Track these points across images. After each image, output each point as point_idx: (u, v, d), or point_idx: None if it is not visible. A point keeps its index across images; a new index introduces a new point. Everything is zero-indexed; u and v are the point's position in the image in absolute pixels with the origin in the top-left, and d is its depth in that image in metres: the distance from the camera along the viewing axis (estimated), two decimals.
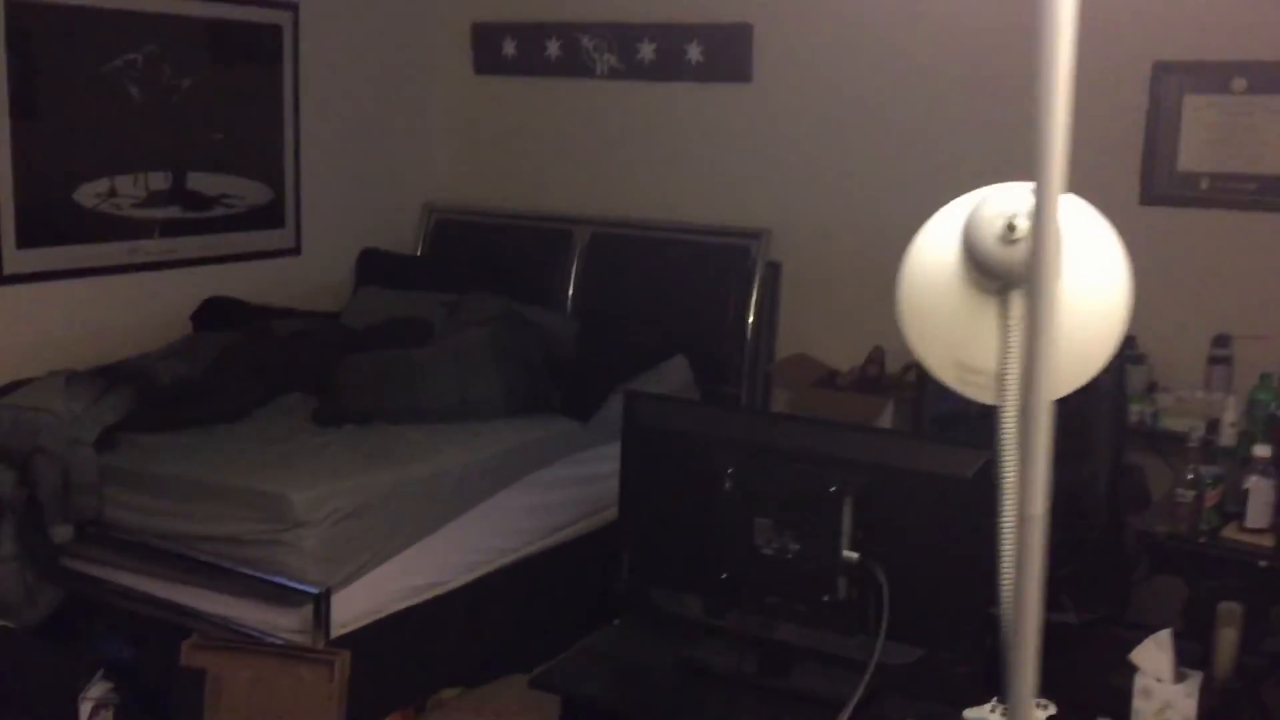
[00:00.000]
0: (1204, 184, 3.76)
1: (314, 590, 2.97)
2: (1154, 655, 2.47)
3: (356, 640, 3.05)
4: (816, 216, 4.40)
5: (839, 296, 4.37)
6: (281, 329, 4.12)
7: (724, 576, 2.51)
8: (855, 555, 2.38)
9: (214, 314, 4.22)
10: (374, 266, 4.81)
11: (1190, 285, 3.75)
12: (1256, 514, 2.78)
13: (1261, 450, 2.81)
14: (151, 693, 2.99)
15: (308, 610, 2.98)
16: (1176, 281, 3.72)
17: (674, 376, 4.20)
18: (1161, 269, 3.63)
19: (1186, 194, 3.78)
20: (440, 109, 5.14)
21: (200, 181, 4.29)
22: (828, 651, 2.47)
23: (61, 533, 3.22)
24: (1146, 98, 3.80)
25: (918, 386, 3.64)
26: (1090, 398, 2.93)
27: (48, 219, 3.84)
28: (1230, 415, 3.27)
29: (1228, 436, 3.25)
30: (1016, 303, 0.94)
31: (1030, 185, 0.89)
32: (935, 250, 1.05)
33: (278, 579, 3.01)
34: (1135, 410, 3.54)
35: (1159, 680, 2.45)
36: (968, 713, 2.30)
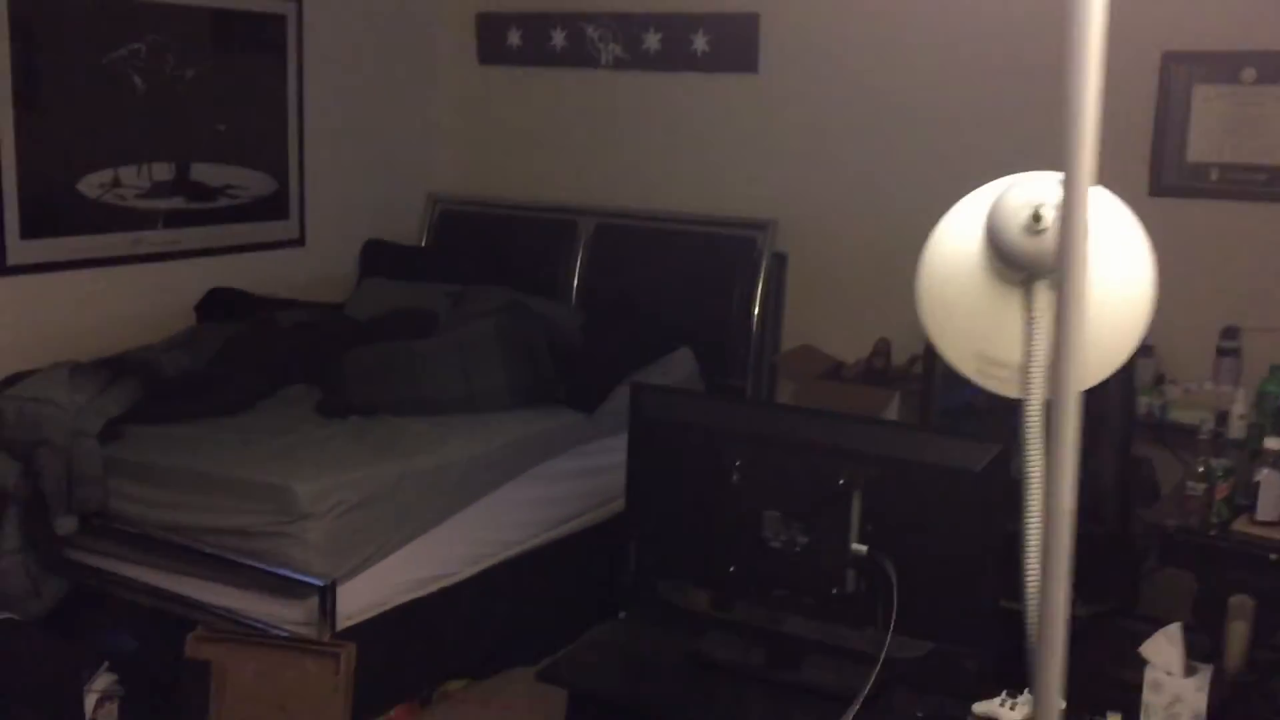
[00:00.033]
0: (1213, 175, 3.74)
1: (319, 582, 2.96)
2: (1164, 649, 2.45)
3: (362, 633, 3.04)
4: (823, 208, 4.38)
5: (845, 288, 4.35)
6: (285, 320, 4.11)
7: (731, 569, 2.50)
8: (864, 548, 2.37)
9: (218, 305, 4.21)
10: (378, 258, 4.79)
11: (1199, 277, 3.73)
12: (1267, 507, 2.76)
13: (1272, 443, 2.79)
14: (157, 685, 2.98)
15: (313, 602, 2.97)
16: (1185, 273, 3.70)
17: (679, 368, 4.18)
18: (1170, 260, 3.58)
19: (1196, 185, 3.75)
20: (445, 99, 5.13)
21: (204, 172, 4.27)
22: (836, 645, 2.46)
23: (66, 524, 3.21)
24: (1156, 88, 3.77)
25: (924, 379, 3.62)
26: (1098, 390, 2.91)
27: (51, 210, 3.83)
28: (1239, 407, 3.26)
29: (1237, 429, 3.24)
30: (1041, 294, 0.92)
31: (1055, 175, 0.87)
32: (956, 241, 1.03)
33: (283, 571, 3.00)
34: (1143, 402, 3.53)
35: (1169, 674, 2.43)
36: (977, 707, 2.29)
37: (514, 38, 4.89)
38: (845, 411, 3.28)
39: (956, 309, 1.01)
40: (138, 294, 4.09)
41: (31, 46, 3.71)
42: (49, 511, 3.19)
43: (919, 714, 2.37)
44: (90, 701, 2.90)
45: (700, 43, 4.50)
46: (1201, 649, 2.54)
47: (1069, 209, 0.75)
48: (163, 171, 4.14)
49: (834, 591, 2.40)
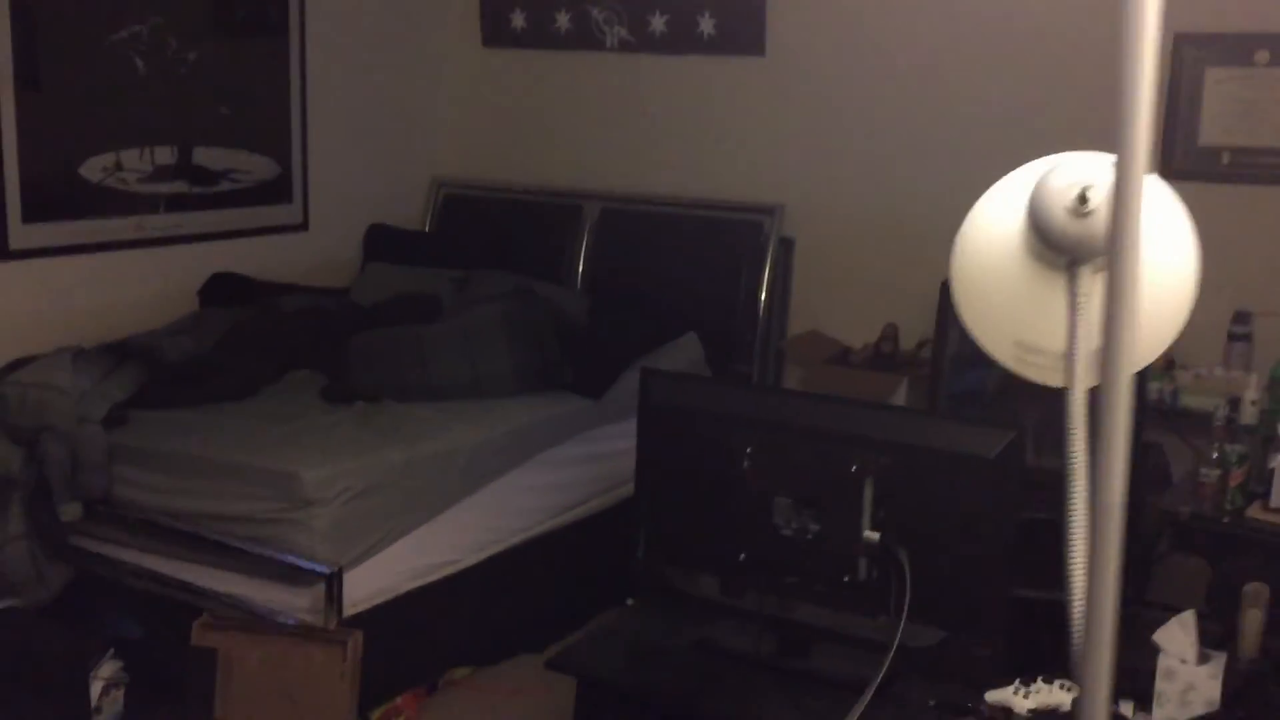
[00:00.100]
0: (1225, 158, 3.71)
1: (325, 570, 2.94)
2: (1177, 636, 2.44)
3: (368, 620, 3.02)
4: (830, 192, 4.35)
5: (852, 273, 4.32)
6: (289, 305, 4.08)
7: (742, 557, 2.48)
8: (876, 536, 2.35)
9: (221, 290, 4.18)
10: (382, 242, 4.77)
11: (1209, 261, 3.66)
12: None
13: None
14: (162, 672, 2.97)
15: (319, 590, 2.95)
16: None
17: (685, 354, 4.15)
18: None
19: (1207, 169, 3.72)
20: (449, 82, 5.09)
21: (207, 156, 4.24)
22: (847, 633, 2.45)
23: (70, 511, 3.19)
24: (1167, 70, 3.73)
25: (932, 364, 3.60)
26: None
27: (53, 194, 3.80)
28: (1252, 393, 3.23)
29: (1249, 415, 3.21)
30: (1085, 278, 0.89)
31: (1100, 156, 0.85)
32: (993, 225, 1.00)
33: (288, 558, 2.98)
34: (1154, 388, 3.50)
35: (1182, 661, 2.42)
36: (990, 695, 2.27)
37: (518, 20, 4.85)
38: (855, 397, 3.25)
39: (993, 295, 0.98)
40: (140, 279, 4.06)
41: (32, 29, 3.67)
42: (53, 498, 3.17)
43: (931, 703, 2.35)
44: (95, 689, 2.88)
45: (707, 25, 4.47)
46: (1215, 636, 2.52)
47: (1122, 187, 0.72)
48: (165, 155, 4.11)
49: (846, 579, 2.39)
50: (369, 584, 3.07)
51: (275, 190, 4.49)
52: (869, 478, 2.35)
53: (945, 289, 3.45)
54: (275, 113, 4.46)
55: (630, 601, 3.00)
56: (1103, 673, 0.79)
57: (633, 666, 2.65)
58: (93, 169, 3.90)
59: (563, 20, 4.75)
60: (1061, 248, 0.93)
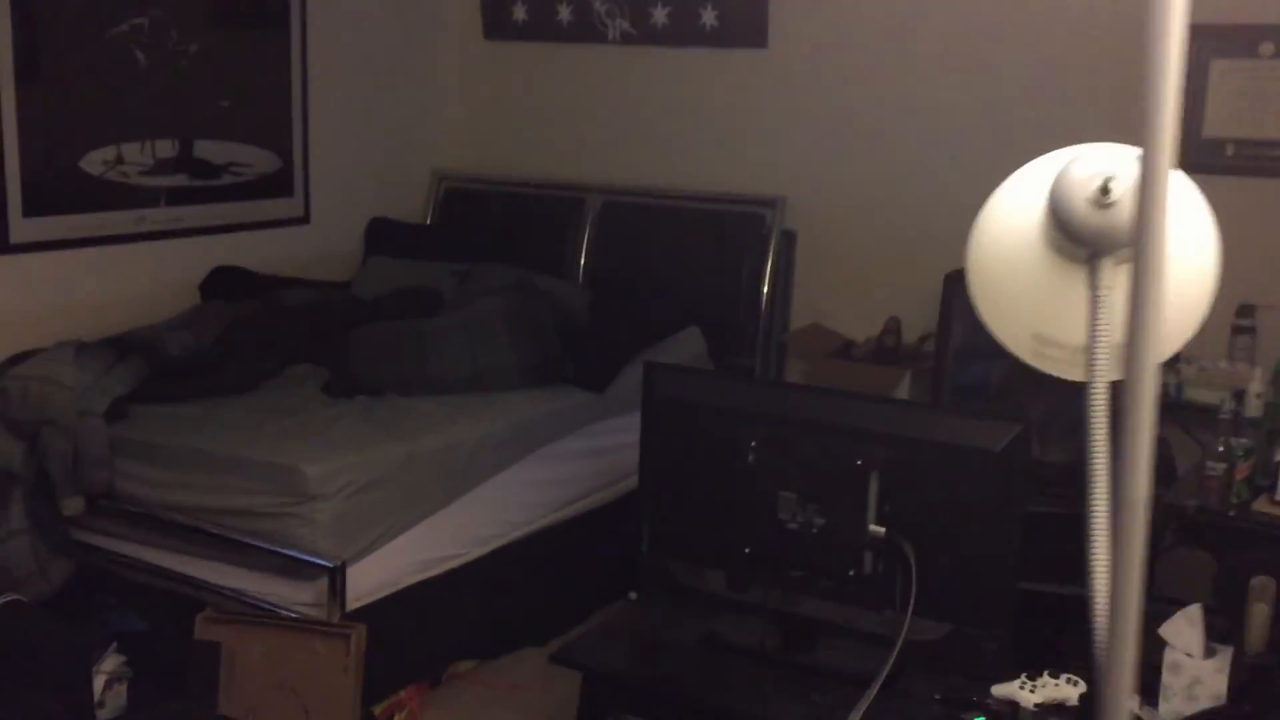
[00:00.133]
0: (1229, 150, 3.70)
1: (329, 564, 2.93)
2: (1184, 630, 2.44)
3: (371, 614, 3.02)
4: (832, 184, 4.34)
5: (855, 266, 4.31)
6: (291, 299, 4.07)
7: (747, 551, 2.47)
8: (882, 530, 2.35)
9: (222, 284, 4.17)
10: (383, 236, 4.75)
11: None
12: None
13: None
14: (166, 666, 2.96)
15: (323, 584, 2.95)
16: None
17: (688, 347, 4.14)
18: None
19: (1211, 161, 3.70)
20: (450, 75, 5.07)
21: (208, 149, 4.22)
22: (852, 627, 2.44)
23: (72, 505, 3.18)
24: None
25: (936, 357, 3.59)
26: None
27: (54, 187, 3.78)
28: (1256, 386, 3.23)
29: (1253, 408, 3.20)
30: (1107, 270, 0.88)
31: (1122, 147, 0.84)
32: (1010, 216, 0.99)
33: (292, 552, 2.97)
34: None
35: (1189, 655, 2.42)
36: (996, 689, 2.27)
37: (519, 12, 4.84)
38: (861, 391, 3.25)
39: (1011, 288, 0.97)
40: (141, 272, 4.05)
41: (33, 21, 3.65)
42: (55, 492, 3.17)
43: (936, 696, 2.35)
44: (99, 683, 2.88)
45: (709, 17, 4.45)
46: (1221, 630, 2.52)
47: (1148, 180, 0.71)
48: (166, 148, 4.09)
49: (851, 573, 2.38)
50: (372, 578, 3.07)
51: (276, 184, 4.48)
52: (874, 471, 2.34)
53: (948, 282, 3.44)
54: (276, 106, 4.44)
55: (633, 595, 2.99)
56: (1127, 671, 0.79)
57: (639, 661, 2.64)
58: (93, 162, 3.89)
59: (564, 12, 4.73)
60: (1082, 240, 0.92)
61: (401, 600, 3.16)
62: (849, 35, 4.25)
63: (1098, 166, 0.92)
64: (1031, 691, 2.23)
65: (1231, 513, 2.74)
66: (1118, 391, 0.77)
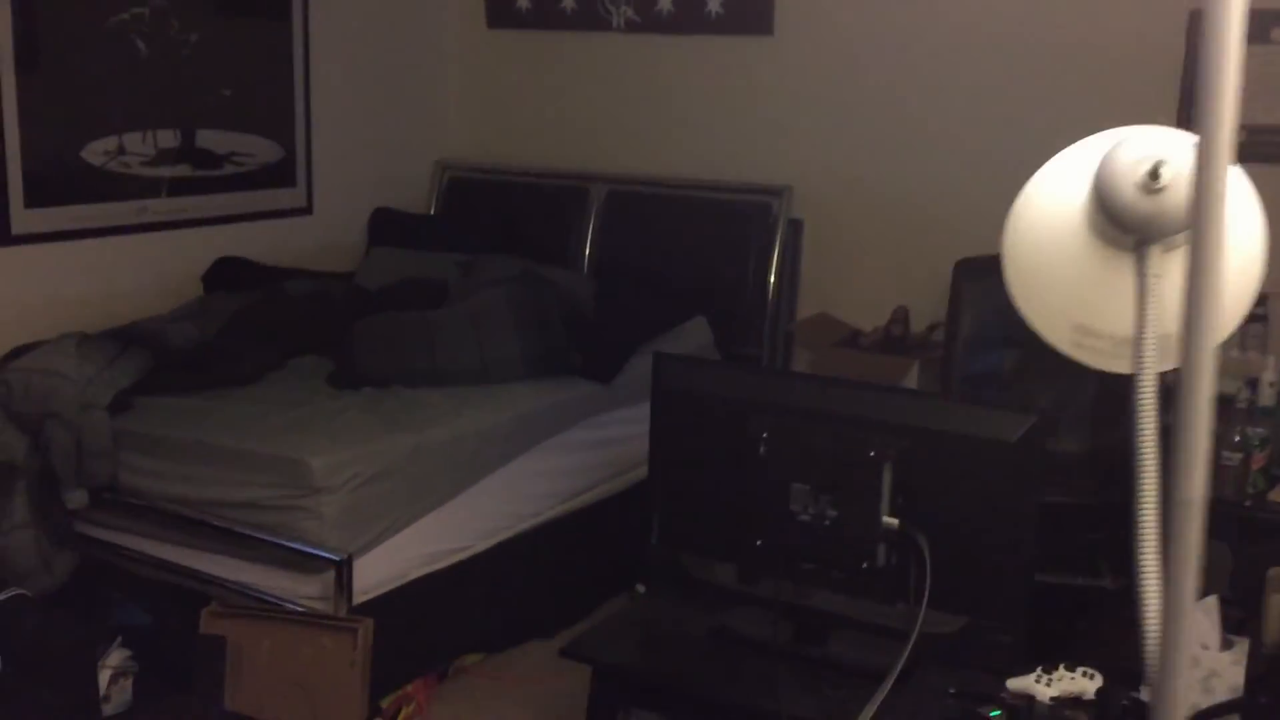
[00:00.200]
0: (1241, 137, 3.65)
1: (335, 557, 2.91)
2: (1200, 621, 2.41)
3: (378, 607, 3.00)
4: (839, 173, 4.30)
5: (862, 254, 4.28)
6: (294, 290, 4.04)
7: (758, 543, 2.45)
8: (895, 522, 2.32)
9: (225, 275, 4.14)
10: (386, 226, 4.72)
11: None
12: None
13: None
14: (171, 660, 2.94)
15: (329, 577, 2.92)
16: None
17: (694, 337, 4.12)
18: None
19: None
20: (453, 64, 5.04)
21: (209, 139, 4.19)
22: (865, 620, 2.41)
23: (76, 498, 3.16)
24: (1183, 47, 3.69)
25: (945, 346, 3.56)
26: None
27: (55, 178, 3.76)
28: (1270, 375, 3.20)
29: (1267, 397, 3.18)
30: (1155, 257, 0.85)
31: (1171, 130, 0.81)
32: (1050, 202, 0.95)
33: (298, 546, 2.95)
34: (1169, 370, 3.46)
35: (1205, 647, 2.39)
36: (1011, 683, 2.24)
37: (523, 0, 4.80)
38: (873, 381, 3.22)
39: (1051, 276, 0.94)
40: (143, 264, 4.02)
41: (33, 11, 3.62)
42: (59, 485, 3.15)
43: (951, 690, 2.32)
44: (104, 677, 2.86)
45: (714, 4, 4.41)
46: (1237, 622, 2.49)
47: (1206, 161, 0.68)
48: (168, 138, 4.06)
49: (864, 566, 2.35)
50: (379, 571, 3.04)
51: (279, 174, 4.45)
52: (888, 463, 2.31)
53: (957, 270, 3.41)
54: (279, 95, 4.41)
55: (640, 588, 2.97)
56: (1179, 674, 0.76)
57: (649, 654, 2.62)
58: (95, 153, 3.86)
59: (568, 1, 4.69)
60: (1130, 225, 0.88)
61: (408, 593, 3.14)
62: (856, 22, 4.22)
63: (1146, 150, 0.88)
64: (1048, 685, 2.20)
65: (1248, 503, 2.72)
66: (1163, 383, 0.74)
